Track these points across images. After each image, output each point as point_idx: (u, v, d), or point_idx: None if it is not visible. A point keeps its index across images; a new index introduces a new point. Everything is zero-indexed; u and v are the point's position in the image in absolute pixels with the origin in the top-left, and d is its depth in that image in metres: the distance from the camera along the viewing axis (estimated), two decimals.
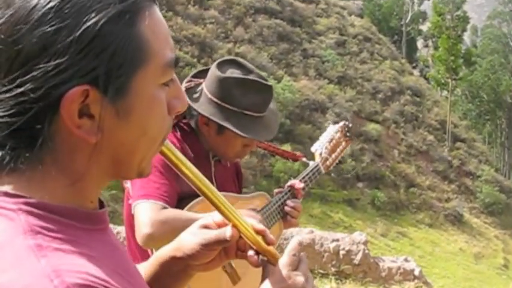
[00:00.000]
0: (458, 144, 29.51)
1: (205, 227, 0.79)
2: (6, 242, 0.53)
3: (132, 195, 1.48)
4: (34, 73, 0.54)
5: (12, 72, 0.54)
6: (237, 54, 22.99)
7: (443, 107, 31.13)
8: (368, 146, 24.78)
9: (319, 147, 1.88)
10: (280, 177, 17.94)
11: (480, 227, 25.60)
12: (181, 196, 1.52)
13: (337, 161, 1.94)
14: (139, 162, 0.63)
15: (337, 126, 1.96)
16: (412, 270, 6.92)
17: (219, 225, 0.78)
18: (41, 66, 0.54)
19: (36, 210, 0.55)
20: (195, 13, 25.07)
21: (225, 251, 0.79)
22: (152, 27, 0.59)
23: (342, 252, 6.37)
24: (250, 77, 1.59)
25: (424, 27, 49.51)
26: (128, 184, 1.56)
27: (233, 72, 1.59)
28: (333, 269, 6.20)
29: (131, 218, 1.52)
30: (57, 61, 0.54)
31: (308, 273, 0.75)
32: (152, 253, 1.48)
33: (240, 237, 0.76)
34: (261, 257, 0.76)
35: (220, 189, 1.63)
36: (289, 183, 1.78)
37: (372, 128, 25.58)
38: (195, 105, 1.58)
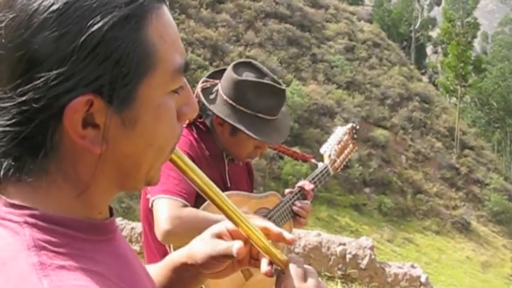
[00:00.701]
0: (466, 151, 29.33)
1: (218, 235, 0.77)
2: (11, 258, 0.52)
3: (151, 189, 1.51)
4: (36, 82, 0.51)
5: (14, 80, 0.52)
6: (247, 58, 23.07)
7: (452, 114, 30.97)
8: (375, 151, 24.72)
9: (328, 148, 1.90)
10: (289, 180, 17.99)
11: (488, 235, 25.39)
12: (199, 193, 1.54)
13: (344, 163, 1.96)
14: (147, 172, 0.60)
15: (345, 128, 1.99)
16: (419, 277, 6.90)
17: (232, 234, 0.76)
18: (43, 75, 0.51)
19: (41, 222, 0.54)
20: (207, 16, 25.29)
21: (237, 260, 0.76)
22: (160, 31, 0.56)
23: (348, 256, 6.38)
24: (265, 80, 1.62)
25: (434, 33, 49.33)
26: None
27: (248, 75, 1.62)
28: (339, 272, 6.21)
29: (148, 212, 1.55)
30: (59, 70, 0.51)
31: (320, 283, 0.73)
32: (170, 249, 1.51)
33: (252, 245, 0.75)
34: (274, 266, 0.74)
35: (233, 187, 1.68)
36: (299, 183, 1.81)
37: (379, 133, 25.52)
38: (210, 106, 1.61)
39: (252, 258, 0.77)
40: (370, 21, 35.20)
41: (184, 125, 1.56)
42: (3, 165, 0.54)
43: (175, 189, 1.47)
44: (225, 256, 0.74)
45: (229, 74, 1.63)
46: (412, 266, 7.25)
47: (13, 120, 0.53)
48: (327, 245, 6.28)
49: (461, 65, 31.25)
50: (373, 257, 6.54)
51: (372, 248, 6.66)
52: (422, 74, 40.75)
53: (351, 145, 1.99)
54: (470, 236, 24.40)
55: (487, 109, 41.79)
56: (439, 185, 26.16)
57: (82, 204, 0.57)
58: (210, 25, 25.02)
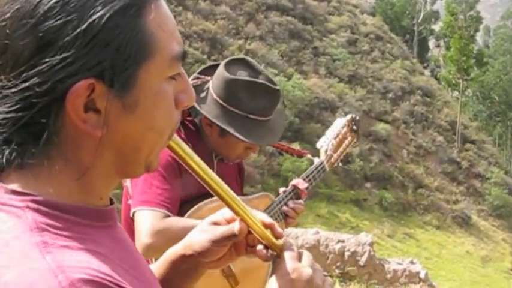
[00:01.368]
0: (467, 145, 29.28)
1: (215, 223, 0.79)
2: (13, 239, 0.54)
3: (133, 198, 1.46)
4: (40, 67, 0.54)
5: (18, 67, 0.54)
6: (247, 51, 22.96)
7: (453, 108, 30.90)
8: (377, 146, 24.67)
9: (325, 143, 1.84)
10: (288, 177, 17.85)
11: (488, 229, 25.41)
12: (185, 199, 1.49)
13: (341, 157, 1.90)
14: (146, 157, 0.62)
15: (344, 120, 1.92)
16: (418, 273, 6.87)
17: (229, 221, 0.78)
18: (47, 60, 0.54)
19: (43, 208, 0.55)
20: (205, 8, 25.04)
21: (235, 247, 0.79)
22: (158, 20, 0.59)
23: (347, 254, 6.34)
24: (259, 80, 1.55)
25: (437, 26, 49.15)
26: (127, 183, 1.53)
27: (241, 74, 1.55)
28: (337, 271, 6.17)
29: (130, 219, 1.50)
30: (63, 55, 0.54)
31: (315, 265, 0.75)
32: (151, 261, 1.46)
33: (249, 232, 0.76)
34: (270, 251, 0.76)
35: None
36: (293, 182, 1.75)
37: (381, 127, 25.45)
38: (199, 106, 1.55)
39: (248, 245, 0.79)
40: (372, 14, 35.00)
41: None
42: (6, 152, 0.56)
43: (158, 199, 1.42)
44: (226, 238, 0.76)
45: (221, 72, 1.56)
46: (412, 262, 7.23)
47: (16, 106, 0.55)
48: (325, 243, 6.24)
49: (464, 58, 31.16)
50: (372, 253, 6.50)
51: (371, 244, 6.62)
52: (425, 67, 40.60)
53: (349, 138, 1.92)
54: (470, 231, 24.42)
55: (488, 103, 41.72)
56: (440, 179, 26.14)
57: (83, 188, 0.59)
58: (209, 17, 24.76)
